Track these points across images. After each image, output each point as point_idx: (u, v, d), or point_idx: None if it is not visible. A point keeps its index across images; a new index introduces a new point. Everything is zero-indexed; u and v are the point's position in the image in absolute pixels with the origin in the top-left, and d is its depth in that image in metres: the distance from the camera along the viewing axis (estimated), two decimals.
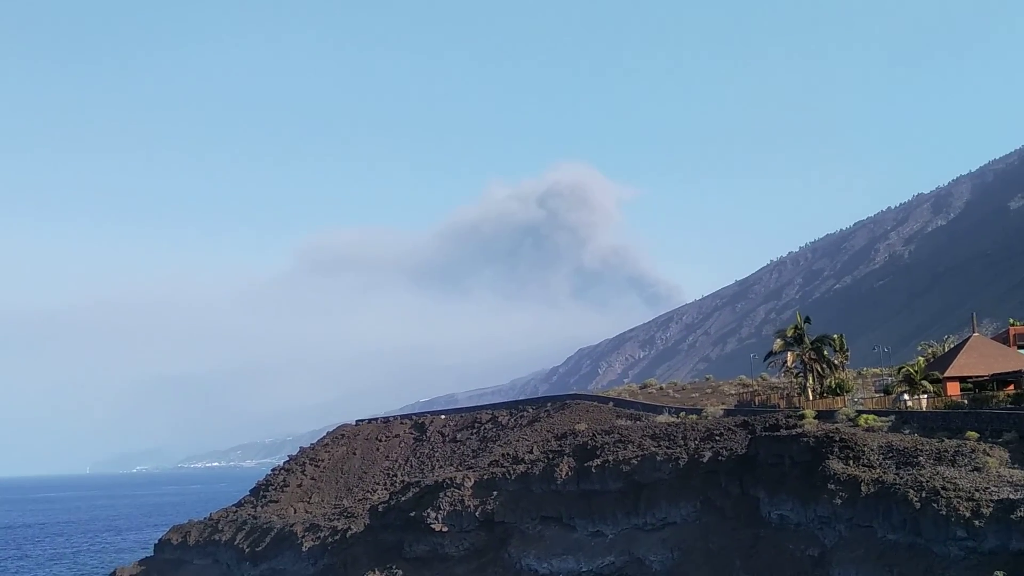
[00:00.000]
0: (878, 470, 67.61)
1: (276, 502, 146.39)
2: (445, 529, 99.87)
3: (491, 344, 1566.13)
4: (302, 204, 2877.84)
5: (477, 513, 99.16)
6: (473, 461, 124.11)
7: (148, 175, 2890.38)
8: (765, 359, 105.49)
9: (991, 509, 57.56)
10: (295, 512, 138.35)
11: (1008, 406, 73.45)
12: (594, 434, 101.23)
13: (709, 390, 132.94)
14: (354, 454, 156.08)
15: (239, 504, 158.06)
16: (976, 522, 57.58)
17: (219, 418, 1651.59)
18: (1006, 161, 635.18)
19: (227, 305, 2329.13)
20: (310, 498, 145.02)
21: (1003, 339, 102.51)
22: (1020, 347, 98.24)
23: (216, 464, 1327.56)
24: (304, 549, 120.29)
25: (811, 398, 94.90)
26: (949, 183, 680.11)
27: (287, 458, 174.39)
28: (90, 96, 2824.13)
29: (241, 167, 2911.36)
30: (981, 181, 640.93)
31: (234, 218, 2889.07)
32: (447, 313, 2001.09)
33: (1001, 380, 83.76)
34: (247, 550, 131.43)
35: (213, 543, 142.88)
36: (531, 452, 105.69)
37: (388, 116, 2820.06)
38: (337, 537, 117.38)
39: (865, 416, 79.09)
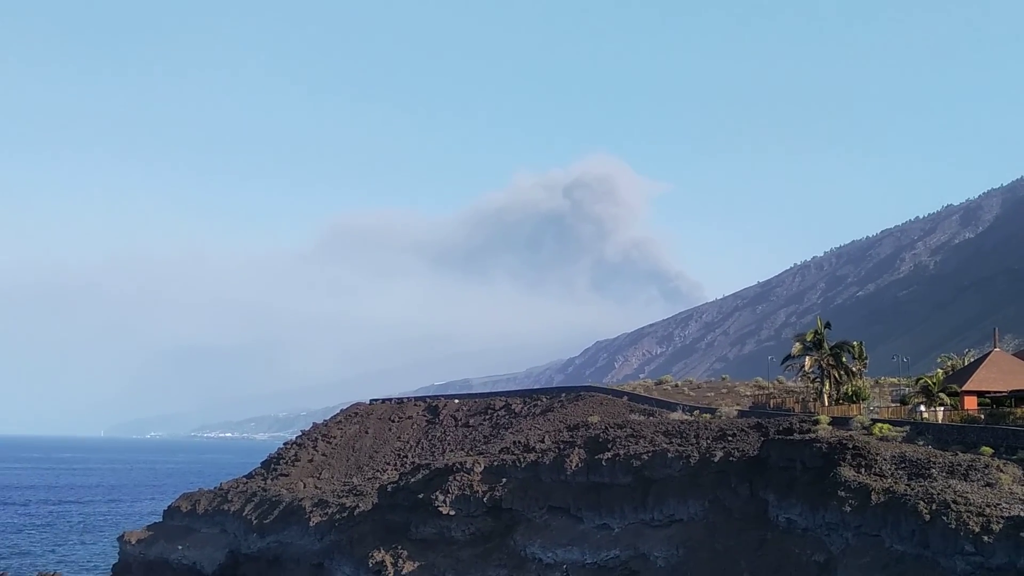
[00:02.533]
0: (889, 480, 67.24)
1: (286, 476, 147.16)
2: (452, 513, 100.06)
3: (509, 332, 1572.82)
4: (330, 183, 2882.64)
5: (485, 499, 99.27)
6: (484, 447, 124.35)
7: (180, 145, 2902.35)
8: (783, 362, 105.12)
9: (1001, 525, 57.13)
10: (304, 487, 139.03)
11: None
12: (606, 427, 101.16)
13: (724, 390, 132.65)
14: (366, 433, 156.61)
15: (249, 476, 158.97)
16: (985, 538, 57.17)
17: (235, 390, 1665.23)
18: None
19: (250, 278, 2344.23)
20: (320, 474, 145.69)
21: None
22: None
23: (229, 435, 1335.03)
24: (311, 524, 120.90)
25: (827, 404, 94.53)
26: (979, 196, 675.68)
27: (300, 433, 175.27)
28: (102, 88, 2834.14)
29: (271, 144, 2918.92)
30: (1012, 196, 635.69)
31: (261, 193, 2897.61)
32: (467, 298, 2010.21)
33: (1019, 397, 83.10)
34: (255, 522, 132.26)
35: (221, 512, 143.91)
36: (542, 441, 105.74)
37: (419, 100, 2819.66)
38: (345, 514, 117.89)
39: (880, 425, 78.72)
